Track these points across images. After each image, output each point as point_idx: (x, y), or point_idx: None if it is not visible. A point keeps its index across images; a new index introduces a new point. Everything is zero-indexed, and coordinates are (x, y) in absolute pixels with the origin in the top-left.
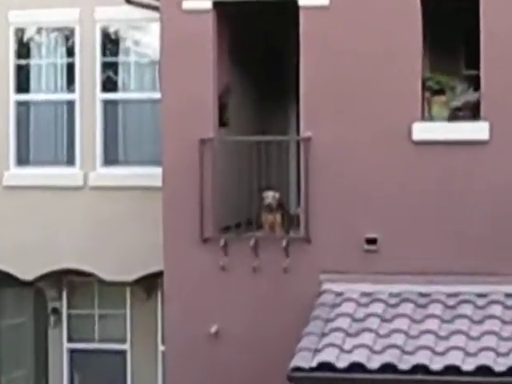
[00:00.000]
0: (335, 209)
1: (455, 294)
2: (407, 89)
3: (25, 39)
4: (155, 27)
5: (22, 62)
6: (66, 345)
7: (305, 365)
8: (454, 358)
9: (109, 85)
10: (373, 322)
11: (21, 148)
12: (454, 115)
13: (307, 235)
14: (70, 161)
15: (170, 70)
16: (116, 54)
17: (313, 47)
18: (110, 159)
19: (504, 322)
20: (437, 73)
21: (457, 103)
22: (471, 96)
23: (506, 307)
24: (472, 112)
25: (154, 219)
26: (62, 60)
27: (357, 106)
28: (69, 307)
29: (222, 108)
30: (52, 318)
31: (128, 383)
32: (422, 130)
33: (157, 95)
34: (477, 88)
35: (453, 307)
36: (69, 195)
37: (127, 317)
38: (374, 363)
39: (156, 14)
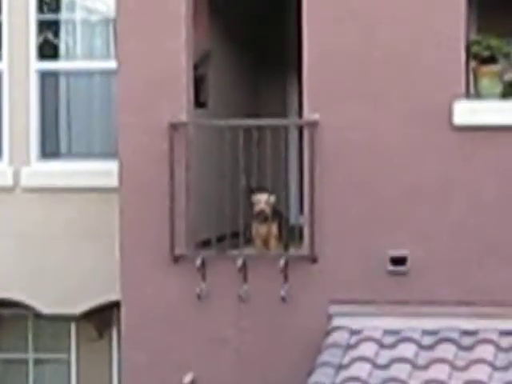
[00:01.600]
0: (350, 217)
1: (511, 332)
2: (445, 56)
3: None
4: None
5: None
6: None
7: None
8: None
9: (47, 50)
10: (401, 370)
11: None
12: (510, 91)
13: (312, 252)
14: None
15: (128, 31)
16: (57, 9)
17: (321, 4)
18: (48, 151)
19: None
20: (486, 35)
21: None
22: None
23: None
24: None
25: (108, 231)
26: None
27: (379, 81)
28: None
29: (199, 82)
30: None
31: None
32: (467, 111)
33: (111, 64)
34: None
35: (508, 350)
36: None
37: (72, 362)
38: None
39: None
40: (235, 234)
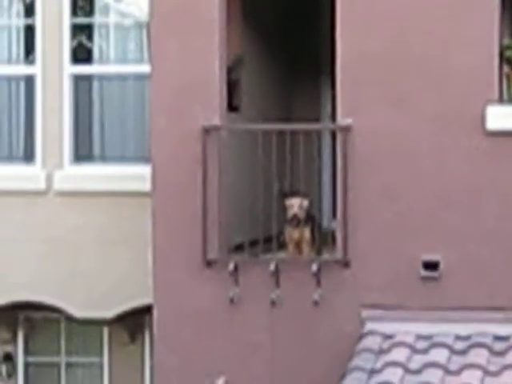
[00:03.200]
0: (383, 222)
1: None
2: (479, 61)
3: None
4: None
5: None
6: None
7: None
8: None
9: (80, 54)
10: (433, 375)
11: None
12: None
13: (345, 257)
14: (29, 157)
15: (162, 36)
16: (90, 13)
17: (354, 8)
18: (81, 155)
19: None
20: None
21: None
22: None
23: None
24: None
25: (141, 235)
26: (18, 21)
27: (412, 86)
28: (26, 353)
29: (232, 87)
30: (3, 367)
31: None
32: (500, 116)
33: (145, 69)
34: None
35: None
36: (27, 202)
37: (104, 366)
38: None
39: None
40: (268, 239)
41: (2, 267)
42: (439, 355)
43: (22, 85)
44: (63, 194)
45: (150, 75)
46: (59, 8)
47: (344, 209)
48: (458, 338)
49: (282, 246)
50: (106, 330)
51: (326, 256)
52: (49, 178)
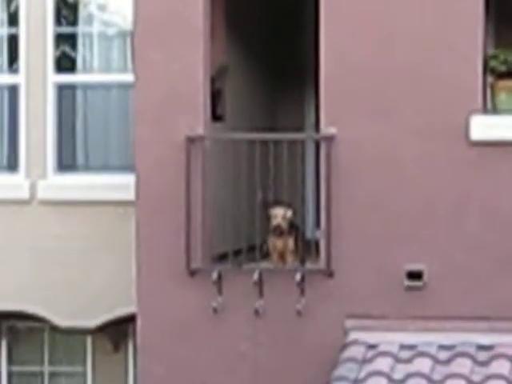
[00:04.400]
0: (366, 232)
1: None
2: (463, 71)
3: None
4: None
5: None
6: None
7: None
8: None
9: (64, 64)
10: None
11: None
12: None
13: (329, 267)
14: (12, 166)
15: (146, 45)
16: (74, 22)
17: (338, 17)
18: (65, 164)
19: None
20: (504, 50)
21: None
22: None
23: None
24: None
25: (125, 244)
26: (1, 30)
27: (396, 96)
28: (10, 362)
29: (217, 96)
30: None
31: None
32: (484, 126)
33: (128, 78)
34: None
35: None
36: (10, 212)
37: (88, 375)
38: None
39: None
40: (251, 248)
41: None
42: (423, 365)
43: (6, 94)
44: (47, 203)
45: (134, 84)
46: (43, 17)
47: (327, 218)
48: (442, 347)
49: (265, 255)
50: (89, 340)
51: (309, 266)
52: (32, 188)
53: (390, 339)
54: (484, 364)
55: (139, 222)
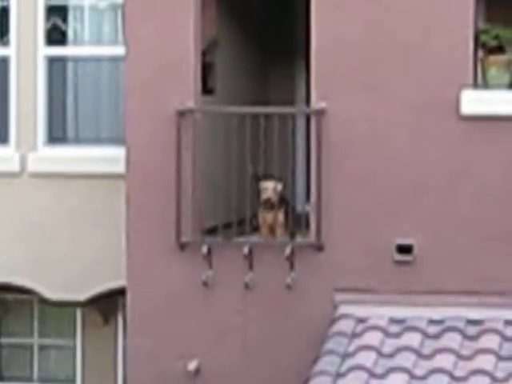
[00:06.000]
0: (356, 206)
1: None
2: (453, 46)
3: None
4: None
5: None
6: None
7: None
8: None
9: (55, 36)
10: (406, 359)
11: None
12: None
13: (319, 240)
14: (3, 139)
15: (136, 17)
16: None
17: None
18: (55, 137)
19: None
20: (495, 24)
21: None
22: None
23: None
24: None
25: (115, 217)
26: None
27: (386, 71)
28: None
29: (207, 69)
30: None
31: None
32: (474, 101)
33: (119, 50)
34: None
35: None
36: (0, 184)
37: (77, 348)
38: None
39: None
40: (241, 222)
41: None
42: (412, 339)
43: None
44: (37, 175)
45: (125, 57)
46: None
47: (318, 193)
48: (431, 322)
49: (255, 229)
50: (79, 312)
51: (299, 240)
52: (23, 160)
53: (380, 313)
54: (473, 338)
55: (129, 195)
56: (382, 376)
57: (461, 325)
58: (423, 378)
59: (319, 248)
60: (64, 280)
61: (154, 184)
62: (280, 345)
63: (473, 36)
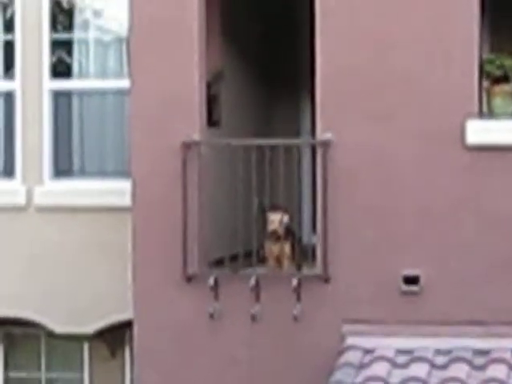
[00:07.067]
0: (363, 237)
1: None
2: (459, 76)
3: None
4: None
5: None
6: None
7: None
8: None
9: (60, 69)
10: None
11: None
12: None
13: (325, 272)
14: (9, 172)
15: (141, 51)
16: (70, 28)
17: (334, 23)
18: (61, 170)
19: None
20: (499, 54)
21: None
22: None
23: None
24: None
25: (121, 250)
26: None
27: (392, 100)
28: (6, 368)
29: (212, 102)
30: None
31: None
32: (480, 131)
33: (124, 84)
34: None
35: None
36: (7, 218)
37: (85, 382)
38: None
39: None
40: (248, 253)
41: None
42: (420, 370)
43: (2, 100)
44: (43, 209)
45: (130, 90)
46: (39, 23)
47: (324, 224)
48: (439, 352)
49: (262, 260)
50: (86, 346)
51: (306, 271)
52: (29, 193)
53: (387, 344)
54: (481, 368)
55: (135, 228)
56: None
57: (468, 355)
58: None
59: (326, 279)
60: (70, 313)
61: (159, 216)
62: (287, 377)
63: (477, 65)
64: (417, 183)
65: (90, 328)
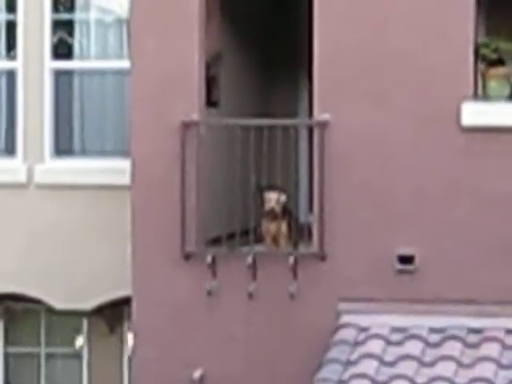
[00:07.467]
0: (358, 216)
1: None
2: (454, 58)
3: None
4: None
5: None
6: None
7: None
8: None
9: (61, 50)
10: (408, 367)
11: None
12: None
13: (321, 250)
14: (10, 151)
15: (142, 32)
16: (71, 9)
17: (331, 4)
18: (61, 149)
19: None
20: (494, 38)
21: None
22: None
23: None
24: None
25: (121, 228)
26: None
27: (389, 82)
28: (6, 343)
29: (211, 82)
30: None
31: None
32: (475, 113)
33: (125, 64)
34: None
35: None
36: (8, 195)
37: (84, 357)
38: None
39: None
40: (245, 232)
41: None
42: (414, 347)
43: (4, 80)
44: (44, 187)
45: (130, 71)
46: (40, 4)
47: (320, 203)
48: (432, 330)
49: (259, 239)
50: (85, 322)
51: (302, 249)
52: (30, 172)
53: (382, 322)
54: (474, 346)
55: (135, 206)
56: None
57: (462, 333)
58: None
59: (322, 258)
60: (70, 290)
61: (158, 195)
62: (283, 353)
63: (473, 49)
64: (412, 164)
65: (90, 304)
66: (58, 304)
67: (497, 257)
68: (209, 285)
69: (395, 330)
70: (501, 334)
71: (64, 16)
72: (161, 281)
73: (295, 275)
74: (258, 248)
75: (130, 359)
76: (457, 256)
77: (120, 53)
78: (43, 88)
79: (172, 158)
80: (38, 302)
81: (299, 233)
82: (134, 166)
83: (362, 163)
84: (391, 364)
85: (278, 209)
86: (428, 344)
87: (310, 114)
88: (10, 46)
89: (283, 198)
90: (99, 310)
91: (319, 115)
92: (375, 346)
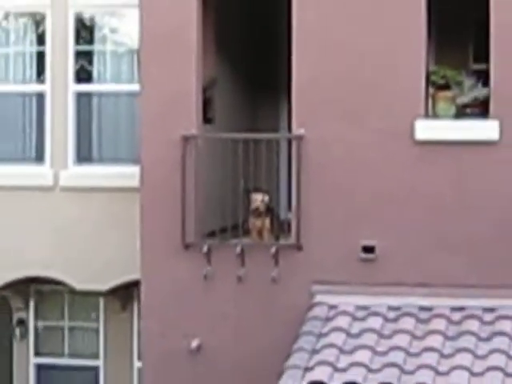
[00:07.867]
0: (329, 213)
1: (460, 308)
2: (409, 83)
3: None
4: (134, 13)
5: None
6: (33, 360)
7: None
8: (459, 379)
9: (82, 75)
10: (370, 338)
11: None
12: (461, 112)
13: (298, 242)
14: (39, 158)
15: (149, 61)
16: (91, 42)
17: (307, 37)
18: (82, 157)
19: None
20: (442, 66)
21: (464, 99)
22: (480, 92)
23: None
24: (481, 109)
25: (131, 223)
26: (31, 48)
27: (355, 102)
28: (36, 318)
29: (207, 103)
30: (18, 330)
31: None
32: (426, 129)
33: (135, 87)
34: (486, 83)
35: (458, 323)
36: (37, 196)
37: (100, 330)
38: (371, 383)
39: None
40: (235, 227)
41: (18, 248)
42: (375, 322)
43: (35, 100)
44: (67, 189)
45: (140, 93)
46: (65, 37)
47: (298, 203)
48: (390, 308)
49: (246, 232)
50: (101, 301)
51: (282, 241)
52: (55, 176)
53: (348, 301)
54: (425, 322)
55: (143, 205)
56: (350, 352)
57: (414, 311)
58: (384, 353)
59: (299, 248)
60: (89, 274)
61: (163, 196)
62: (266, 327)
63: (425, 76)
64: (375, 171)
65: (105, 286)
66: (79, 285)
67: (442, 248)
68: (205, 270)
69: (359, 308)
70: (447, 312)
71: (85, 47)
72: (165, 267)
73: (276, 263)
74: (246, 240)
75: (139, 332)
76: (411, 247)
77: (131, 78)
78: (67, 107)
79: (174, 166)
80: (62, 284)
81: (280, 227)
82: (142, 171)
83: (333, 170)
84: (356, 336)
85: (262, 207)
86: (387, 320)
87: (289, 129)
88: (40, 72)
89: (267, 198)
90: (113, 291)
91: (296, 130)
92: (343, 321)
